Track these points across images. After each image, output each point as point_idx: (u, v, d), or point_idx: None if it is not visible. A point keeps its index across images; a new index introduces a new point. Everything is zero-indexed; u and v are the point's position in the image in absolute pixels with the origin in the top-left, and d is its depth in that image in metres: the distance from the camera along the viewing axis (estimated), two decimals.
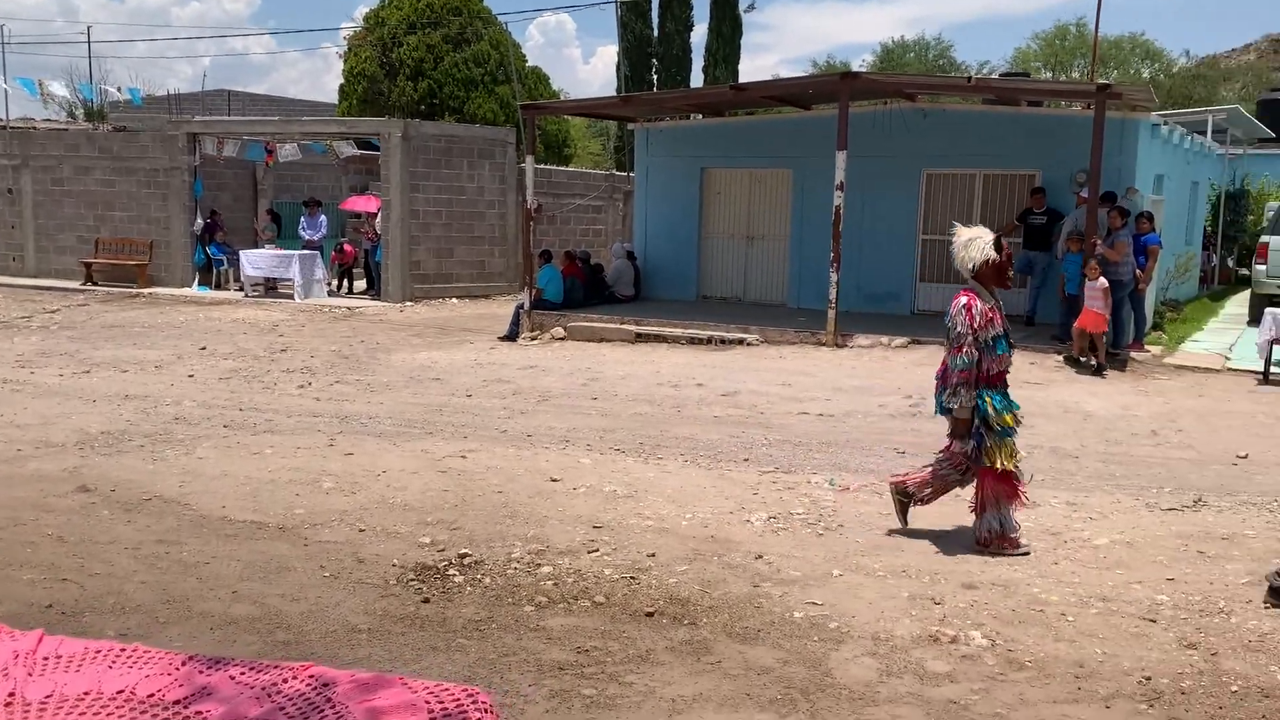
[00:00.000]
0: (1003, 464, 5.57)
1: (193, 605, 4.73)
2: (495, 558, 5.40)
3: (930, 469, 5.90)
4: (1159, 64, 48.69)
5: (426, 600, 4.85)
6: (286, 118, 23.30)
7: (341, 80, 30.33)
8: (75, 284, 20.84)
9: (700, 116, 17.57)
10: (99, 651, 1.68)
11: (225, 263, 20.67)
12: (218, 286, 20.49)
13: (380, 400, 9.92)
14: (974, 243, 5.64)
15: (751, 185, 16.77)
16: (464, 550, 5.49)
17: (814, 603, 4.84)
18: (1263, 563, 5.48)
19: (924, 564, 5.40)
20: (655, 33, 29.25)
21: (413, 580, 5.11)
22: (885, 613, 4.74)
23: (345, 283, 20.81)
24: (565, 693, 3.88)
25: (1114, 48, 47.80)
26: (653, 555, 5.44)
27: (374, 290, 19.88)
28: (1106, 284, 11.70)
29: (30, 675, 1.55)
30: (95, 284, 20.78)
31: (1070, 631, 4.56)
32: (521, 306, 14.81)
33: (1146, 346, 13.09)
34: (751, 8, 29.70)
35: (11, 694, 1.46)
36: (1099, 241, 12.18)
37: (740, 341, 13.49)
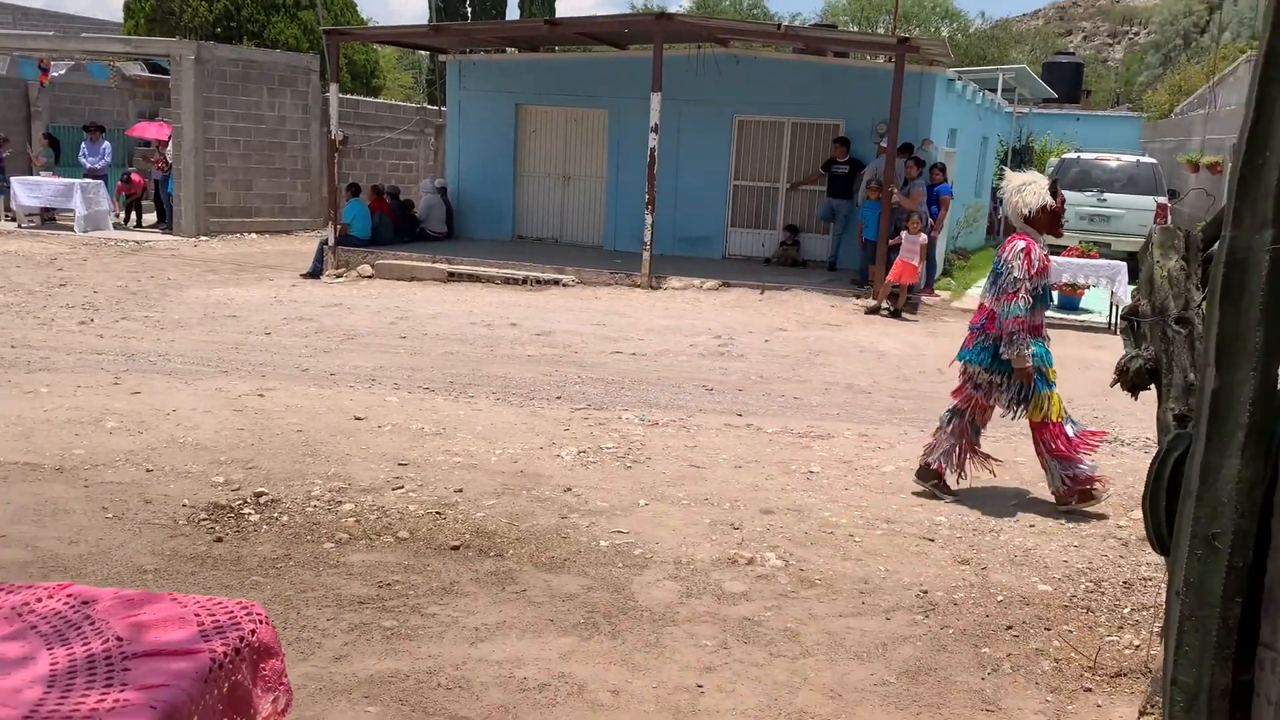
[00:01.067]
0: (1057, 415, 5.43)
1: None
2: (294, 496, 5.23)
3: (938, 431, 5.68)
4: (957, 24, 51.12)
5: (219, 540, 4.65)
6: (63, 34, 21.37)
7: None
8: None
9: (515, 52, 17.24)
10: None
11: None
12: None
13: (171, 338, 9.38)
14: (1029, 187, 5.38)
15: (567, 124, 16.64)
16: (260, 489, 5.28)
17: (620, 531, 4.93)
18: (1031, 485, 5.95)
19: (725, 493, 5.58)
20: None
21: (205, 520, 4.88)
22: (687, 538, 4.87)
23: (134, 215, 19.43)
24: (365, 625, 3.81)
25: (916, 6, 49.82)
26: (460, 491, 5.40)
27: (165, 224, 18.68)
28: (925, 240, 12.29)
29: None
30: None
31: (857, 551, 4.82)
32: (325, 243, 14.25)
33: (936, 291, 13.88)
34: None
35: None
36: (895, 190, 12.77)
37: (556, 282, 13.46)
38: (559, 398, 7.62)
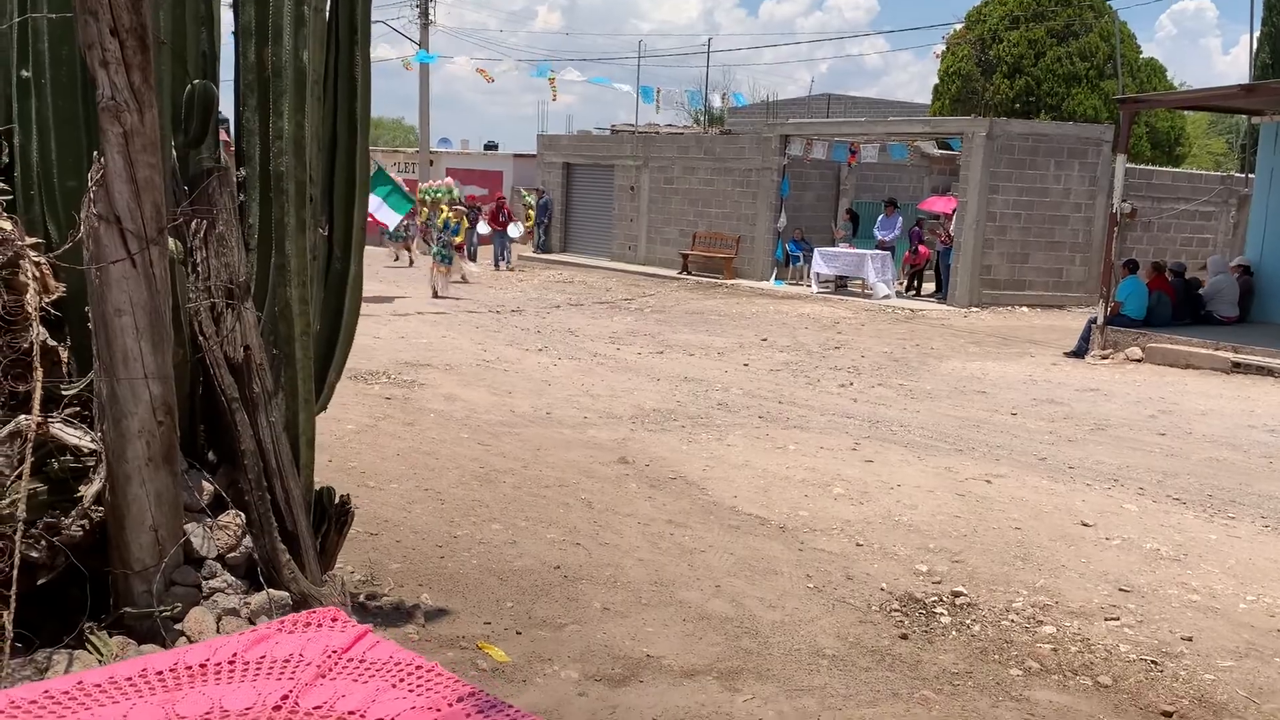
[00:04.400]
0: None
1: (676, 591, 4.84)
2: (993, 603, 4.82)
3: None
4: None
5: (904, 636, 4.45)
6: (872, 119, 23.60)
7: (936, 80, 30.04)
8: (673, 272, 23.15)
9: None
10: (398, 664, 1.64)
11: (801, 259, 21.55)
12: (792, 281, 21.43)
13: (917, 409, 9.55)
14: None
15: None
16: (959, 588, 4.98)
17: None
18: None
19: None
20: None
21: (896, 610, 4.73)
22: None
23: (914, 284, 20.57)
24: None
25: None
26: (1189, 639, 4.46)
27: (941, 294, 19.39)
28: None
29: (322, 678, 1.56)
30: (689, 273, 22.90)
31: None
32: (1094, 321, 13.38)
33: None
34: None
35: (285, 697, 1.47)
36: None
37: None
38: None
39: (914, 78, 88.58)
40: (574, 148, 27.73)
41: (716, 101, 28.02)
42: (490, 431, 7.97)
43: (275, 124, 3.25)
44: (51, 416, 3.04)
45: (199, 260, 3.26)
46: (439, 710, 1.52)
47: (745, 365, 11.74)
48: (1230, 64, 77.52)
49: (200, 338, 3.28)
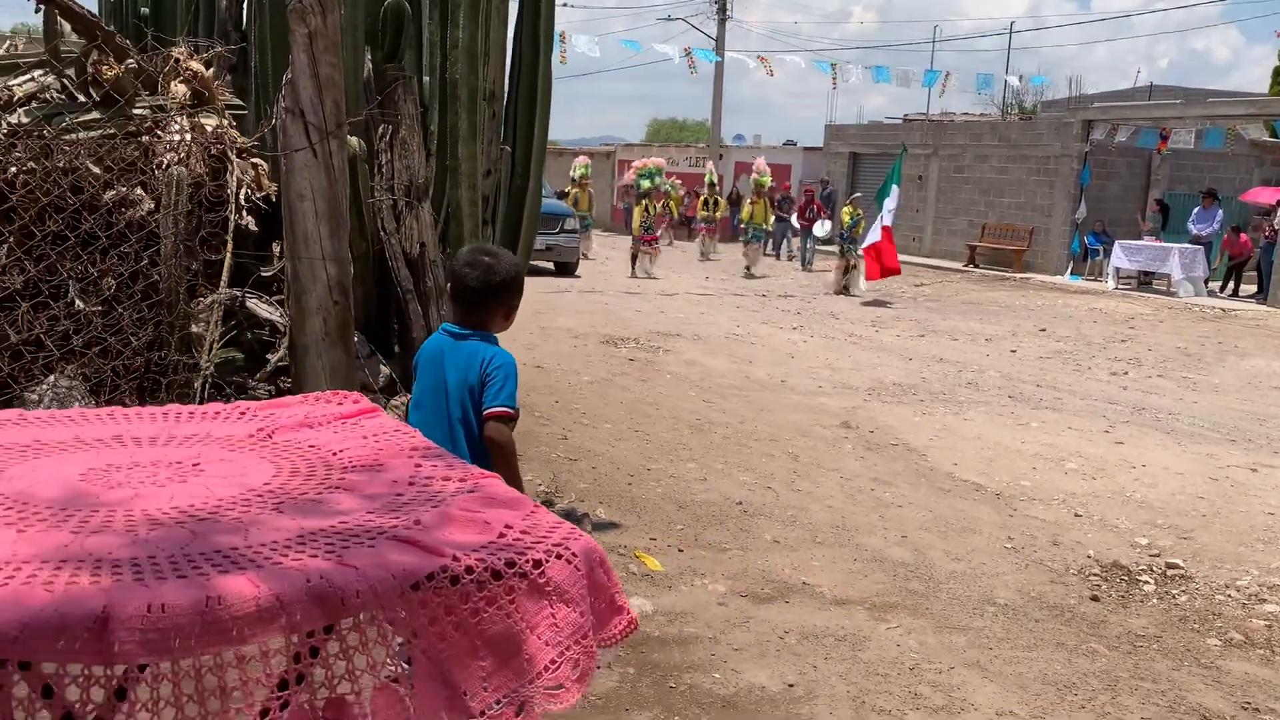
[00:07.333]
0: None
1: (856, 536, 4.71)
2: (1212, 579, 4.32)
3: None
4: None
5: (1095, 598, 4.10)
6: (1187, 102, 21.49)
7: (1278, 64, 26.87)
8: (958, 265, 22.21)
9: None
10: (382, 425, 1.76)
11: (1101, 253, 20.00)
12: (1089, 277, 19.94)
13: (1195, 399, 8.65)
14: None
15: None
16: (1177, 560, 4.50)
17: None
18: None
19: None
20: None
21: (1095, 574, 4.36)
22: None
23: (1232, 283, 18.53)
24: None
25: None
26: None
27: (1262, 294, 17.35)
28: None
29: (307, 427, 1.70)
30: (975, 266, 21.88)
31: None
32: None
33: None
34: None
35: (260, 430, 1.61)
36: None
37: None
38: None
39: (1270, 72, 79.29)
40: (861, 137, 27.25)
41: (1014, 83, 26.38)
42: (718, 392, 8.06)
43: (451, 34, 3.51)
44: (249, 292, 3.46)
45: (383, 162, 3.57)
46: (383, 448, 1.63)
47: (1013, 352, 11.11)
48: None
49: (381, 233, 3.61)
